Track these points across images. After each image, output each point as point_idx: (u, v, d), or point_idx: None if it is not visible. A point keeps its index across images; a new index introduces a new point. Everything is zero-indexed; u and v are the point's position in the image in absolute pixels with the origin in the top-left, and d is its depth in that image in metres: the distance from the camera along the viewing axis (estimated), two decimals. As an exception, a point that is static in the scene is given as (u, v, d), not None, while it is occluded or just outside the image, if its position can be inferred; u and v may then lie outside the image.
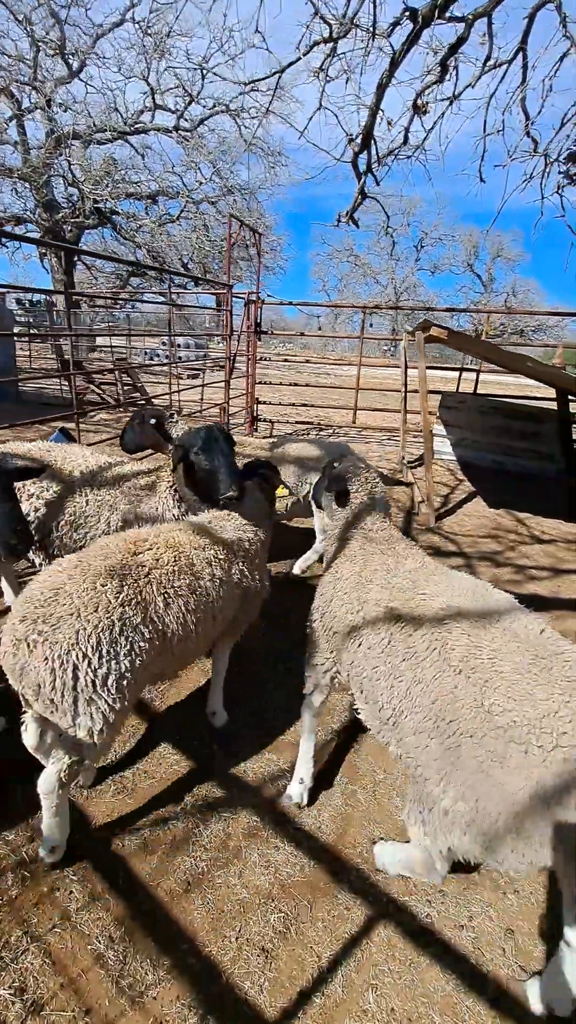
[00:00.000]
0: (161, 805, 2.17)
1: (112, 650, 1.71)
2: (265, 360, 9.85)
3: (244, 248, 21.86)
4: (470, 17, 5.92)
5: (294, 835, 2.09)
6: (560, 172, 7.32)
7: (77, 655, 1.64)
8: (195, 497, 2.70)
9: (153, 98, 22.12)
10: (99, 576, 1.80)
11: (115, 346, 15.50)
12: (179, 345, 24.03)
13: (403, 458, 8.28)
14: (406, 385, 8.20)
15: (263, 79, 4.90)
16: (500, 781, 1.45)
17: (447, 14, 5.74)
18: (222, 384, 8.97)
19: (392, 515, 5.82)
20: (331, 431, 10.04)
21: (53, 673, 1.62)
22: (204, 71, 21.63)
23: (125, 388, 12.10)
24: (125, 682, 1.73)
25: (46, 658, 1.61)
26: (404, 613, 1.84)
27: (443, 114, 7.61)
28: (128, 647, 1.75)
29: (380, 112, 6.63)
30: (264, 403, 9.58)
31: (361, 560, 2.14)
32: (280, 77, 5.11)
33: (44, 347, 21.11)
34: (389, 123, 7.25)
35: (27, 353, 17.78)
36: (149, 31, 20.82)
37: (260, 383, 9.39)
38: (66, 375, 11.11)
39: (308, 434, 9.58)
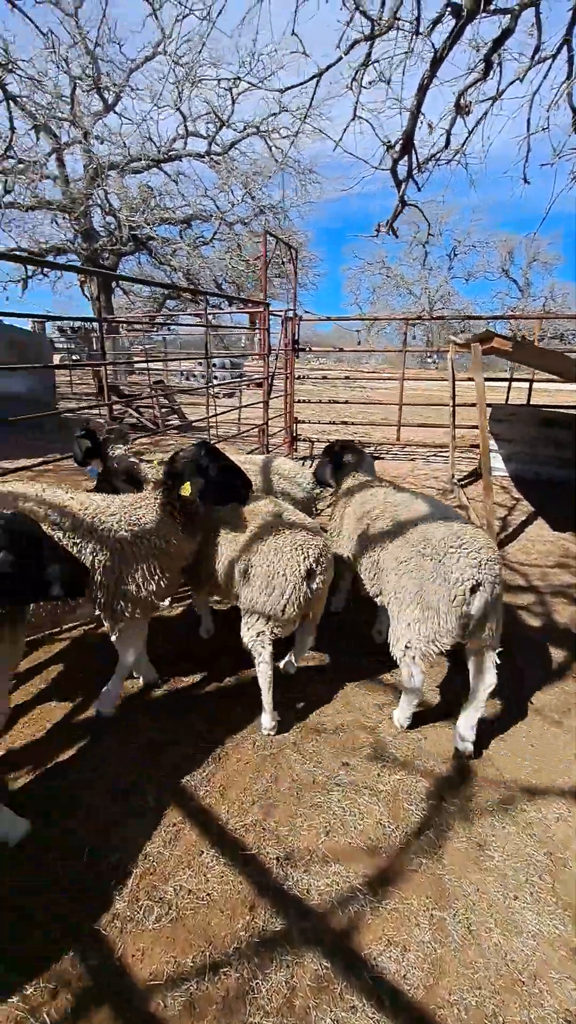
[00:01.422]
0: (210, 939, 1.80)
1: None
2: (301, 378, 9.55)
3: (279, 265, 21.86)
4: (517, 8, 5.52)
5: (373, 988, 1.67)
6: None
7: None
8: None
9: (185, 125, 22.55)
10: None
11: (152, 369, 15.60)
12: (215, 365, 24.16)
13: (453, 476, 7.77)
14: (454, 399, 7.72)
15: (301, 84, 4.64)
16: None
17: (492, 6, 5.37)
18: (260, 404, 8.71)
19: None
20: (372, 449, 9.61)
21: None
22: (234, 96, 21.91)
23: (163, 411, 12.04)
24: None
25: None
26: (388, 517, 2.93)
27: (486, 113, 7.21)
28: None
29: (421, 115, 6.29)
30: (303, 422, 9.26)
31: (358, 498, 3.30)
32: (317, 83, 4.83)
33: (84, 372, 21.59)
34: (430, 126, 6.89)
35: (68, 378, 18.13)
36: (180, 61, 21.27)
37: (299, 401, 9.08)
38: (102, 404, 11.15)
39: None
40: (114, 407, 11.69)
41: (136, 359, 12.80)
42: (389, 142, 6.91)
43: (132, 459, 3.38)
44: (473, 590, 2.34)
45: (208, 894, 1.95)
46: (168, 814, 2.24)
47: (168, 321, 18.35)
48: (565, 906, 1.94)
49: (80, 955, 1.74)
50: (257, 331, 8.06)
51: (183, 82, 21.41)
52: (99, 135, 21.80)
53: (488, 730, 2.76)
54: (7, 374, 9.30)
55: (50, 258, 23.64)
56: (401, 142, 6.54)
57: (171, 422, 11.89)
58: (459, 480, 7.74)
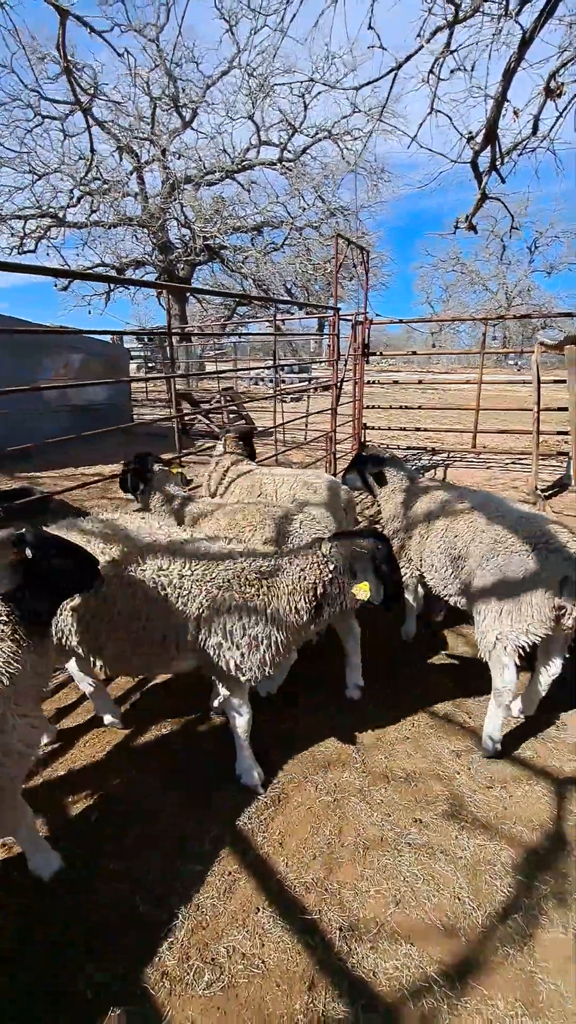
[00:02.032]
0: (264, 1018, 1.62)
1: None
2: (371, 383, 9.26)
3: (350, 267, 21.60)
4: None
5: None
6: None
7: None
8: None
9: (258, 135, 22.86)
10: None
11: (222, 373, 15.88)
12: (283, 370, 24.26)
13: (536, 487, 7.18)
14: (539, 403, 7.13)
15: (378, 79, 4.42)
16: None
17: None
18: (328, 411, 8.52)
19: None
20: (445, 456, 9.13)
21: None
22: (306, 102, 21.91)
23: (231, 416, 12.15)
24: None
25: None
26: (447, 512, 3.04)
27: (578, 95, 6.62)
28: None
29: (506, 102, 5.86)
30: (372, 428, 8.96)
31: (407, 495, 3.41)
32: (395, 76, 4.58)
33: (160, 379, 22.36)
34: (516, 113, 6.43)
35: (143, 386, 18.84)
36: (253, 73, 21.58)
37: (368, 407, 8.79)
38: (173, 417, 11.36)
39: (419, 460, 8.78)
40: (184, 415, 11.95)
41: (204, 369, 13.05)
42: (470, 133, 6.52)
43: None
44: (563, 582, 2.36)
45: (263, 961, 1.78)
46: (223, 861, 2.10)
47: (234, 331, 18.51)
48: None
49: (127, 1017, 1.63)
50: (326, 336, 7.86)
51: (256, 92, 21.72)
52: (176, 150, 22.55)
53: (586, 790, 2.40)
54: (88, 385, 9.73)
55: (130, 271, 24.80)
56: (484, 132, 6.13)
57: (239, 426, 11.97)
58: (543, 490, 7.14)
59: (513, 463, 8.88)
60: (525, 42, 5.24)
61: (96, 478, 4.39)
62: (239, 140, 24.65)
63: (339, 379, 7.42)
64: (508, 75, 5.47)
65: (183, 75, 21.97)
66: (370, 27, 4.28)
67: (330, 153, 22.89)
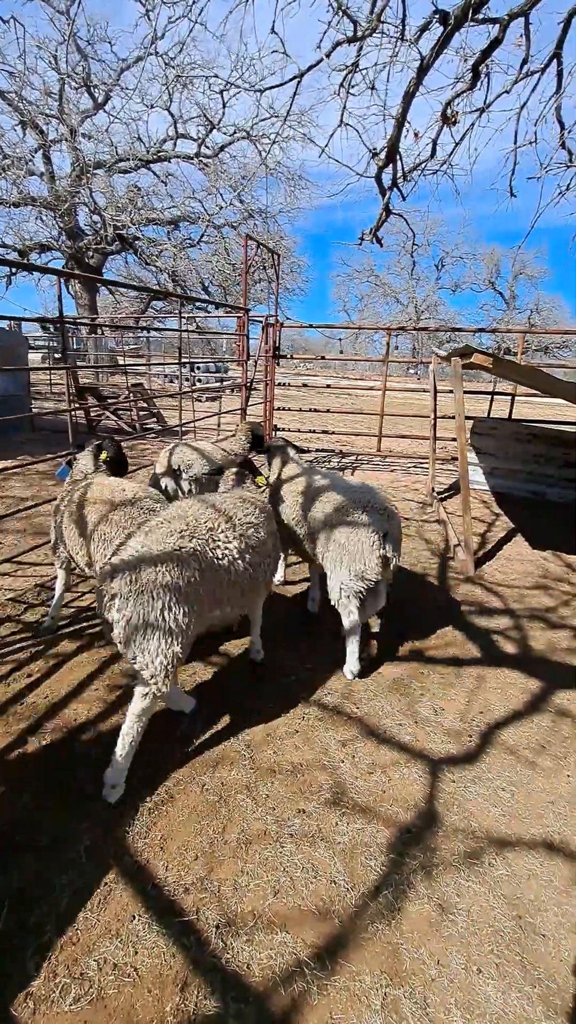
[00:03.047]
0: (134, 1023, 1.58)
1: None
2: (284, 385, 9.39)
3: (262, 270, 21.69)
4: (506, 18, 5.45)
5: None
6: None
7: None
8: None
9: (176, 127, 22.37)
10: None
11: (129, 368, 15.29)
12: (198, 368, 23.90)
13: (433, 489, 7.65)
14: (435, 411, 7.62)
15: (282, 84, 4.48)
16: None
17: (480, 15, 5.28)
18: (239, 411, 8.52)
19: (423, 558, 5.19)
20: (353, 459, 9.47)
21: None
22: (225, 99, 21.77)
23: (141, 414, 11.77)
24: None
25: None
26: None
27: (473, 125, 7.15)
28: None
29: (407, 124, 6.19)
30: (283, 430, 9.08)
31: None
32: (298, 84, 4.68)
33: (61, 371, 21.11)
34: (416, 135, 6.81)
35: (46, 379, 17.72)
36: (171, 63, 21.09)
37: (279, 409, 8.90)
38: (80, 407, 10.83)
39: (329, 462, 9.04)
40: (91, 410, 11.39)
41: (116, 363, 12.55)
42: (375, 149, 6.81)
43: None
44: (385, 536, 3.02)
45: (135, 969, 1.73)
46: (99, 870, 2.01)
47: (146, 325, 17.95)
48: (533, 982, 1.76)
49: (-20, 1049, 1.51)
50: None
51: (174, 83, 21.24)
52: (87, 133, 21.49)
53: (456, 770, 2.59)
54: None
55: (34, 254, 23.28)
56: (386, 150, 6.44)
57: (149, 425, 11.63)
58: (439, 493, 7.62)
59: (415, 467, 9.39)
60: (423, 68, 5.58)
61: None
62: (155, 130, 23.92)
63: (248, 380, 7.45)
64: (408, 98, 5.80)
65: (95, 54, 21.00)
66: (272, 31, 4.33)
67: (249, 154, 22.92)
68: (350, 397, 20.50)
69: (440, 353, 5.97)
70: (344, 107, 6.80)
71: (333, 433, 8.66)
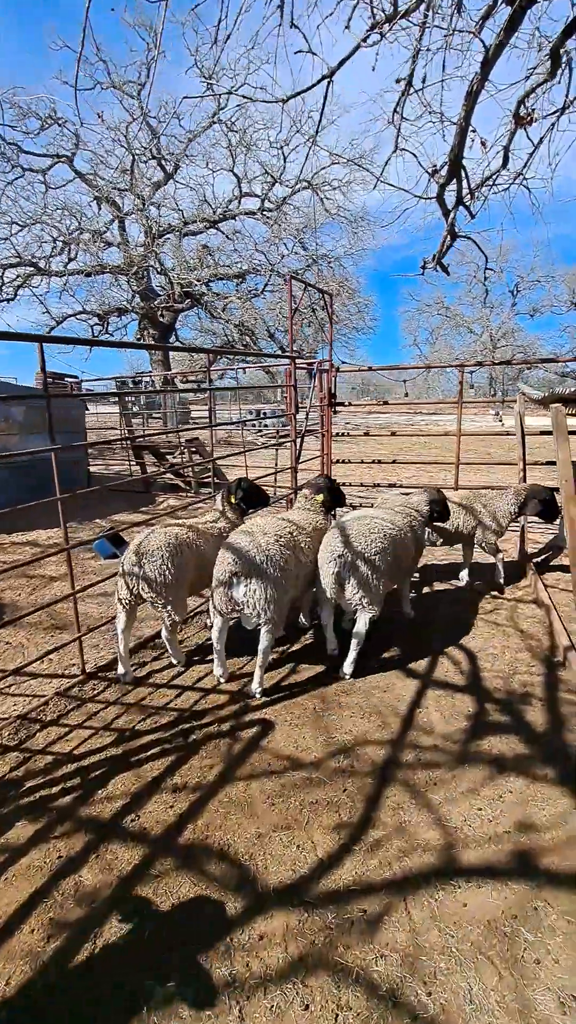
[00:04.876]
0: None
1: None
2: (341, 436, 8.48)
3: (310, 312, 21.34)
4: (592, -11, 4.45)
5: None
6: None
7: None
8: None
9: (239, 187, 23.10)
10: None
11: (183, 429, 15.16)
12: (265, 414, 23.75)
13: (526, 552, 6.27)
14: (524, 458, 6.31)
15: (308, 89, 3.76)
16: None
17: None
18: (309, 460, 7.69)
19: (519, 663, 3.89)
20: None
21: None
22: (285, 154, 22.20)
23: (197, 469, 11.31)
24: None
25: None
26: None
27: (553, 126, 6.11)
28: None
29: (471, 131, 5.27)
30: (343, 484, 8.11)
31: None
32: (329, 86, 3.93)
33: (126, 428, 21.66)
34: (484, 144, 5.87)
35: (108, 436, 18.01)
36: (234, 127, 21.97)
37: (337, 462, 7.96)
38: (139, 463, 10.53)
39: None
40: (146, 466, 11.08)
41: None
42: (434, 167, 5.93)
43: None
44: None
45: None
46: None
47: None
48: None
49: None
50: (311, 383, 7.05)
51: (237, 147, 22.01)
52: (156, 201, 22.66)
53: None
54: (37, 438, 8.91)
55: (113, 317, 24.61)
56: (448, 164, 5.53)
57: (206, 481, 11.13)
58: (534, 556, 6.23)
59: (500, 519, 7.98)
60: (487, 61, 4.67)
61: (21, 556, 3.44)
62: (220, 191, 24.90)
63: (300, 432, 6.61)
64: (470, 98, 4.89)
65: (166, 130, 22.33)
66: (292, 25, 3.62)
67: (311, 202, 23.08)
68: (418, 441, 18.92)
69: (533, 395, 4.78)
70: (398, 132, 6.04)
71: (400, 486, 7.57)
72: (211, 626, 3.62)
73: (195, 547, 3.76)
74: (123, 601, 3.60)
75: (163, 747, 2.99)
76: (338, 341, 27.04)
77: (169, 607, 3.58)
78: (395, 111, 5.93)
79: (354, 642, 3.63)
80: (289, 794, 2.64)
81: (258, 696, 3.43)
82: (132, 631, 4.06)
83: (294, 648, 4.17)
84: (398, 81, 5.36)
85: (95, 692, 3.56)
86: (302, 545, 3.69)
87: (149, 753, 2.94)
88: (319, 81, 3.82)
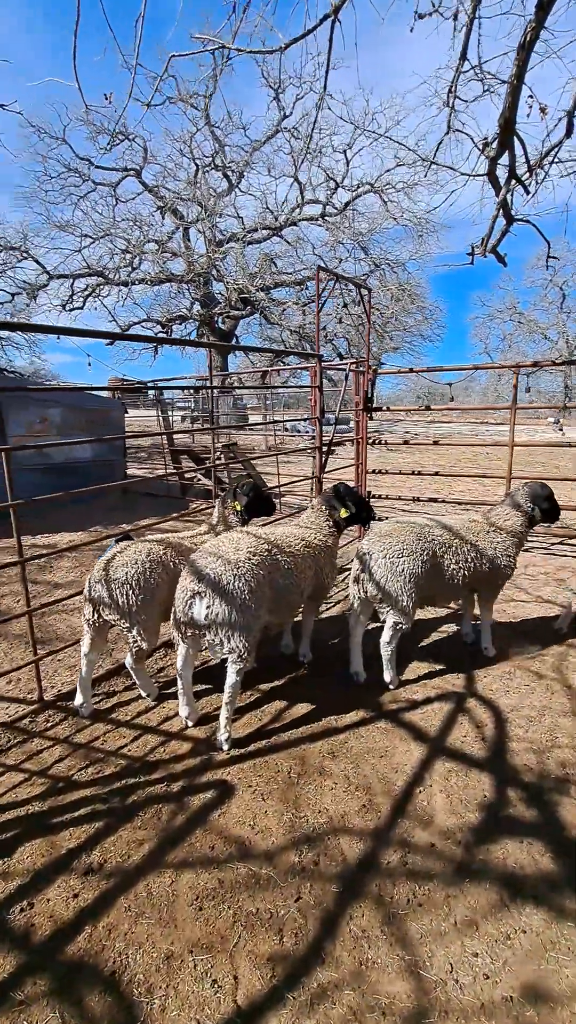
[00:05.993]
0: None
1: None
2: (380, 444, 7.78)
3: (343, 307, 20.48)
4: None
5: None
6: None
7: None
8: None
9: (302, 193, 22.86)
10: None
11: (220, 428, 14.84)
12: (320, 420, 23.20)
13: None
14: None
15: (310, 32, 3.18)
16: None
17: None
18: (342, 469, 7.12)
19: (560, 725, 3.08)
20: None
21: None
22: (348, 158, 21.73)
23: (234, 476, 10.94)
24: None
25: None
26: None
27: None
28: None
29: (526, 89, 4.52)
30: (379, 497, 7.41)
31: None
32: (334, 23, 3.32)
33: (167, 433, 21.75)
34: (543, 109, 5.10)
35: (146, 441, 18.02)
36: (296, 135, 21.77)
37: (373, 472, 7.28)
38: (173, 473, 10.35)
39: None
40: (184, 472, 10.84)
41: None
42: (485, 140, 5.20)
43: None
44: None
45: None
46: None
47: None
48: None
49: None
50: (344, 388, 6.46)
51: (300, 154, 21.77)
52: (219, 210, 22.82)
53: None
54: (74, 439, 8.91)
55: (175, 325, 25.00)
56: (499, 132, 4.79)
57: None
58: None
59: (561, 543, 6.99)
60: (543, 4, 3.93)
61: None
62: (283, 198, 24.71)
63: (328, 440, 6.01)
64: (523, 51, 4.15)
65: (230, 141, 22.50)
66: None
67: (375, 207, 22.43)
68: (462, 452, 17.58)
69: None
70: (451, 111, 5.38)
71: (443, 502, 6.77)
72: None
73: (171, 565, 3.28)
74: (89, 622, 3.17)
75: (94, 807, 2.49)
76: (404, 347, 26.06)
77: (135, 632, 3.11)
78: (449, 91, 5.28)
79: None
80: (225, 896, 2.06)
81: (225, 748, 2.87)
82: (102, 654, 3.62)
83: (296, 677, 3.57)
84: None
85: (47, 725, 3.14)
86: (282, 564, 3.19)
87: (76, 814, 2.46)
88: (322, 21, 3.26)
